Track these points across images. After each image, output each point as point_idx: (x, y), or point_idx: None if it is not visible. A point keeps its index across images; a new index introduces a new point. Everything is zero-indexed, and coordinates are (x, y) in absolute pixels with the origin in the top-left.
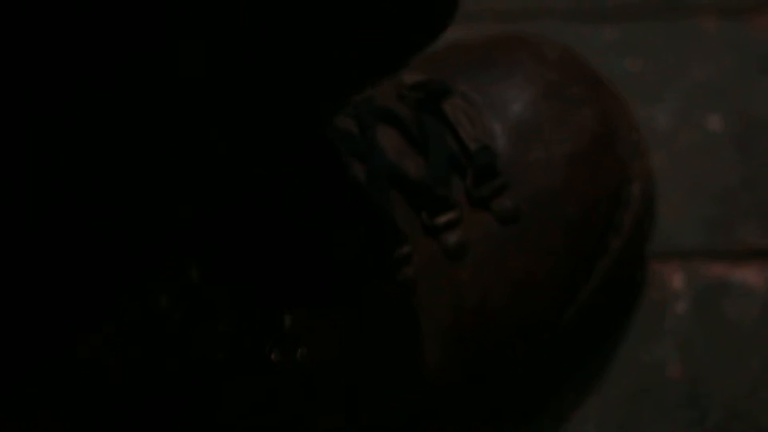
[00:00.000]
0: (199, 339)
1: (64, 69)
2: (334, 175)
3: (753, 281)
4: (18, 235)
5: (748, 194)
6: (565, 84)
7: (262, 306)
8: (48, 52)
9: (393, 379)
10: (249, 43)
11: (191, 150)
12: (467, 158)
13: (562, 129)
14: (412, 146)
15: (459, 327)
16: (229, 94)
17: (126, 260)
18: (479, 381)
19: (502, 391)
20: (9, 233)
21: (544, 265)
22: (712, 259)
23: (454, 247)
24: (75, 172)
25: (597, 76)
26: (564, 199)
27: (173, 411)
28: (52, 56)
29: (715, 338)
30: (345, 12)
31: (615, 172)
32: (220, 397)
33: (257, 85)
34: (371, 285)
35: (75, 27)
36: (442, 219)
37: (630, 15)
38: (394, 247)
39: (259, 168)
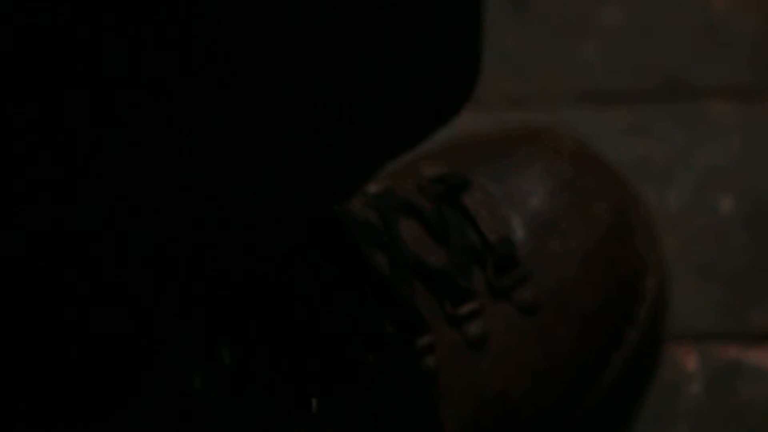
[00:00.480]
0: (233, 420)
1: None
2: (354, 263)
3: (766, 363)
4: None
5: (760, 277)
6: (581, 177)
7: (293, 388)
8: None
9: None
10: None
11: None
12: (488, 249)
13: (579, 222)
14: (433, 238)
15: (479, 418)
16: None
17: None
18: None
19: None
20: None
21: (561, 356)
22: (724, 342)
23: (475, 337)
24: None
25: (611, 170)
26: (581, 292)
27: None
28: None
29: (729, 420)
30: (361, 92)
31: (631, 265)
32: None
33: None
34: (394, 372)
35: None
36: (465, 309)
37: (639, 99)
38: (417, 335)
39: (277, 243)
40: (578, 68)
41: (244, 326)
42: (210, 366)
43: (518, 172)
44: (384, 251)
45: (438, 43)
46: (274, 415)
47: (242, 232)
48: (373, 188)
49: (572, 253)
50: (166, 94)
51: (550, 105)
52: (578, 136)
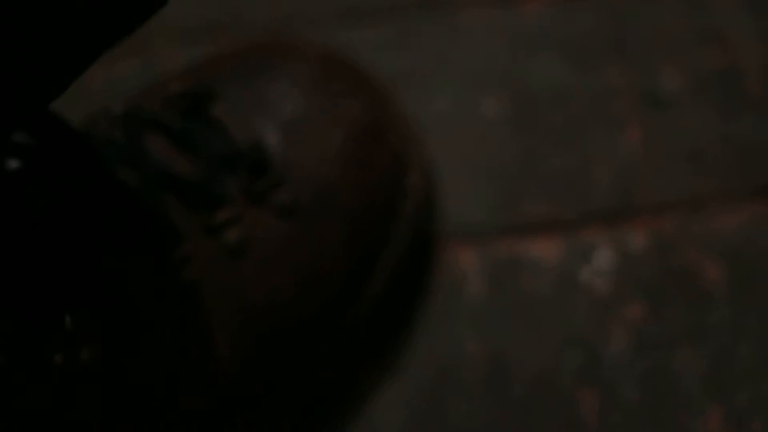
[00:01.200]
0: None
1: None
2: (100, 179)
3: (542, 253)
4: None
5: (529, 171)
6: (330, 80)
7: (41, 306)
8: None
9: (185, 382)
10: None
11: None
12: (239, 156)
13: (331, 123)
14: (183, 150)
15: (248, 326)
16: None
17: None
18: (278, 379)
19: (301, 390)
20: None
21: (327, 256)
22: (501, 237)
23: (235, 244)
24: None
25: (360, 70)
26: (340, 192)
27: None
28: None
29: (512, 313)
30: None
31: (389, 163)
32: (2, 407)
33: None
34: (152, 287)
35: None
36: (221, 217)
37: (394, 15)
38: (172, 247)
39: None
40: None
41: None
42: None
43: (267, 79)
44: (131, 167)
45: None
46: (19, 334)
47: None
48: (118, 109)
49: (327, 155)
50: None
51: (303, 27)
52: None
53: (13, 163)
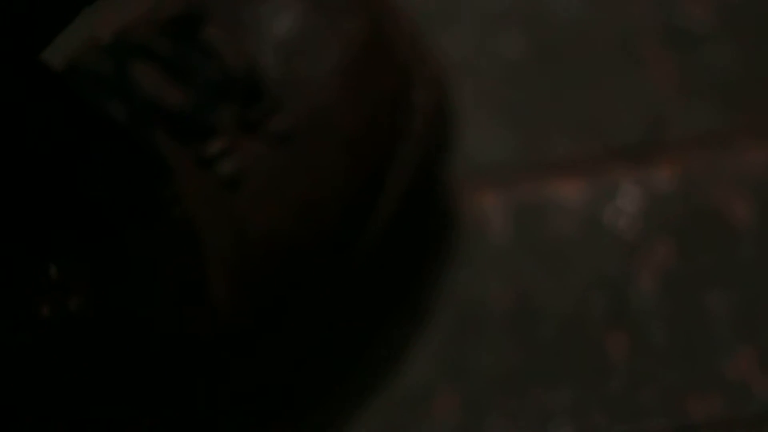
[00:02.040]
0: None
1: None
2: (84, 116)
3: (568, 195)
4: None
5: (553, 110)
6: None
7: (24, 254)
8: None
9: (176, 318)
10: None
11: None
12: (232, 82)
13: (330, 42)
14: (174, 79)
15: (246, 259)
16: None
17: None
18: (278, 311)
19: (305, 328)
20: None
21: (326, 184)
22: (525, 178)
23: (228, 175)
24: None
25: None
26: (339, 114)
27: None
28: None
29: (537, 256)
30: None
31: (392, 79)
32: None
33: None
34: (141, 224)
35: None
36: (213, 148)
37: None
38: (163, 183)
39: None
40: None
41: None
42: None
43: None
44: (119, 99)
45: None
46: (6, 288)
47: None
48: (107, 38)
49: (325, 75)
50: None
51: None
52: None
53: None
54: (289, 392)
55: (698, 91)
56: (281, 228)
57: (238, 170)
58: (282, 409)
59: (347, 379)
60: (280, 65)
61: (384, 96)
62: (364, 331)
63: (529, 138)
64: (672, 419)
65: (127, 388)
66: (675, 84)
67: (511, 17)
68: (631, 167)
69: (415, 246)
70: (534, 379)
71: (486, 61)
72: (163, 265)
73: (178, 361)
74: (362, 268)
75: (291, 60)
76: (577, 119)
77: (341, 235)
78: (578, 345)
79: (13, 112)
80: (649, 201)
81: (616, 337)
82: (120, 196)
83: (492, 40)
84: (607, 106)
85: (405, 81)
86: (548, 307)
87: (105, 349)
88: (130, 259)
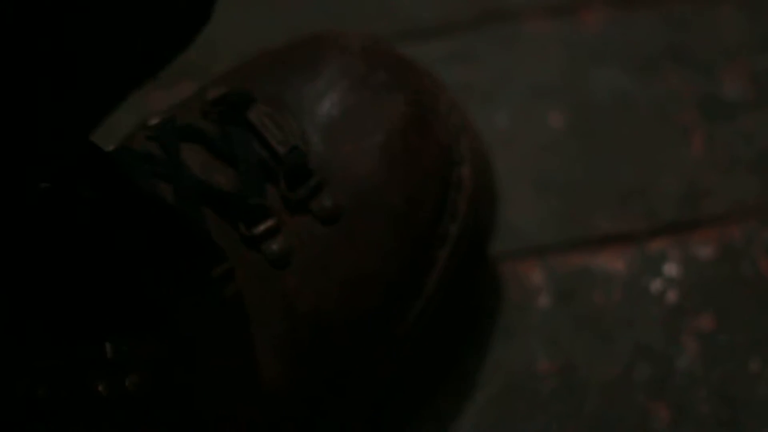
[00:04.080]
0: (15, 376)
1: None
2: (134, 199)
3: (611, 266)
4: None
5: (595, 184)
6: (373, 72)
7: (80, 336)
8: None
9: (233, 398)
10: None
11: None
12: (278, 162)
13: (374, 118)
14: (220, 160)
15: (294, 336)
16: None
17: None
18: (331, 391)
19: (358, 401)
20: None
21: (373, 260)
22: (568, 251)
23: (276, 254)
24: None
25: (405, 60)
26: (384, 191)
27: None
28: None
29: (581, 327)
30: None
31: (437, 154)
32: None
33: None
34: (195, 306)
35: None
36: (261, 228)
37: (455, 28)
38: (213, 264)
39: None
40: (393, 8)
41: (17, 276)
42: None
43: (306, 77)
44: (167, 181)
45: None
46: (60, 366)
47: None
48: (154, 121)
49: (369, 152)
50: None
51: None
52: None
53: (48, 192)
54: None
55: (736, 160)
56: (329, 305)
57: (286, 248)
58: None
59: None
60: (325, 144)
61: (427, 172)
62: (412, 403)
63: (571, 210)
64: None
65: None
66: (715, 155)
67: (553, 90)
68: (672, 238)
69: (461, 318)
70: None
71: (528, 134)
72: (215, 344)
73: None
74: (410, 341)
75: (335, 138)
76: (619, 191)
77: (389, 311)
78: (622, 414)
79: (66, 194)
80: (690, 271)
81: (660, 405)
82: (172, 277)
83: (534, 114)
84: (647, 178)
85: (448, 157)
86: (592, 377)
87: (164, 426)
88: (187, 338)
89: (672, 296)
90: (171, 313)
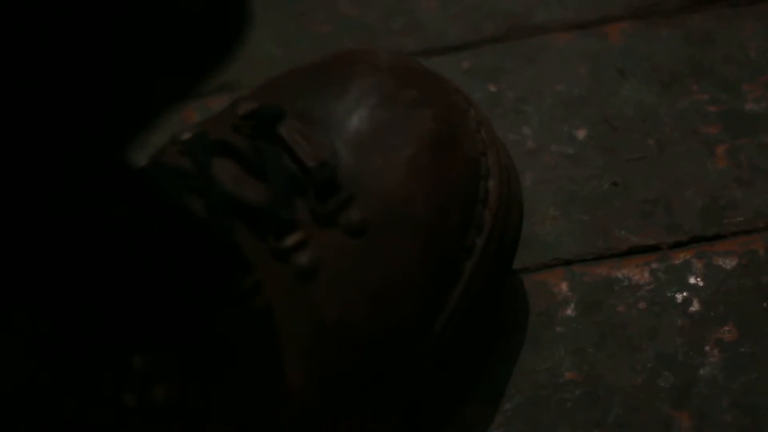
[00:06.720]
0: (46, 386)
1: None
2: (165, 212)
3: (635, 277)
4: None
5: (619, 196)
6: (401, 89)
7: (108, 347)
8: None
9: (259, 409)
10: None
11: None
12: (307, 176)
13: (402, 134)
14: (251, 174)
15: (321, 347)
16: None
17: None
18: (357, 402)
19: (385, 412)
20: None
21: (400, 273)
22: (593, 262)
23: (304, 267)
24: None
25: (434, 76)
26: (411, 205)
27: None
28: None
29: (606, 337)
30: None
31: (464, 168)
32: None
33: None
34: (224, 317)
35: None
36: (289, 241)
37: (481, 43)
38: (242, 276)
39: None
40: (420, 24)
41: (44, 289)
42: (15, 333)
43: (335, 93)
44: (199, 195)
45: None
46: (88, 376)
47: None
48: (186, 135)
49: (397, 166)
50: None
51: None
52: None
53: (82, 206)
54: None
55: (760, 174)
56: (356, 316)
57: (314, 261)
58: None
59: None
60: (353, 158)
61: (454, 186)
62: (439, 413)
63: (596, 222)
64: None
65: None
66: (737, 168)
67: (578, 104)
68: (695, 249)
69: (487, 329)
70: None
71: (553, 147)
72: (244, 355)
73: None
74: (436, 352)
75: (363, 153)
76: (643, 203)
77: (415, 322)
78: (646, 423)
79: (98, 208)
80: (713, 282)
81: (684, 415)
82: (202, 289)
83: (559, 127)
84: (672, 190)
85: (475, 171)
86: (617, 386)
87: None
88: (217, 349)
89: (695, 307)
90: (199, 324)
